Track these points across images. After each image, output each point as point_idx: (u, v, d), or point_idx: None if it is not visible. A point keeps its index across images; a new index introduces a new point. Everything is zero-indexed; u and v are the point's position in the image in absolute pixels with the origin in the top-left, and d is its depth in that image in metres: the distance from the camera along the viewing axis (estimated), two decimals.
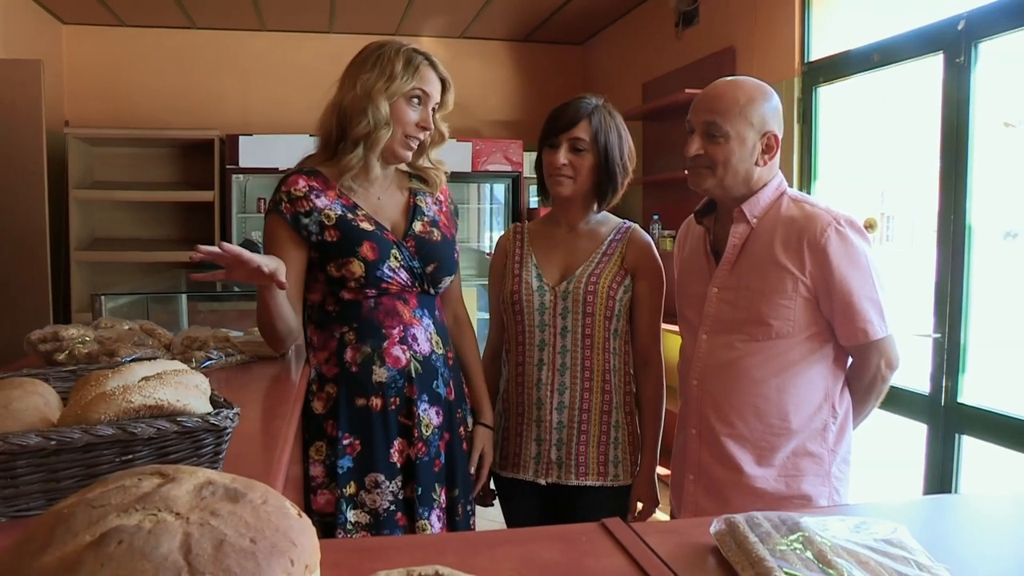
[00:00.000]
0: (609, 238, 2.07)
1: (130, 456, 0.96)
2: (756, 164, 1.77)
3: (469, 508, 1.99)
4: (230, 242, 5.80)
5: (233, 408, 1.04)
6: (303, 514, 0.69)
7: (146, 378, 1.02)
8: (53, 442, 0.90)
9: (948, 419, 3.01)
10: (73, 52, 5.95)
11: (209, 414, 1.00)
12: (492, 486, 2.15)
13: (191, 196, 5.79)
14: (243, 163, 5.61)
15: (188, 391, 1.01)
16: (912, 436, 3.16)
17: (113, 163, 5.99)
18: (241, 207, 5.88)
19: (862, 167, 3.94)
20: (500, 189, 6.33)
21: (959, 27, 2.97)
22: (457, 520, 1.93)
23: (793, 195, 1.82)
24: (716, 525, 0.88)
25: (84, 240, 5.71)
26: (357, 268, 1.79)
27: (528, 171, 6.04)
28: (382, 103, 1.80)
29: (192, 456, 1.01)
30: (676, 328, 2.06)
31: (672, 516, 2.04)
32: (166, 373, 1.04)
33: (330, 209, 1.82)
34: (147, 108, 5.97)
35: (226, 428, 1.02)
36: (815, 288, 1.73)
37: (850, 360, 1.82)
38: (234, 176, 5.70)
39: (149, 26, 5.99)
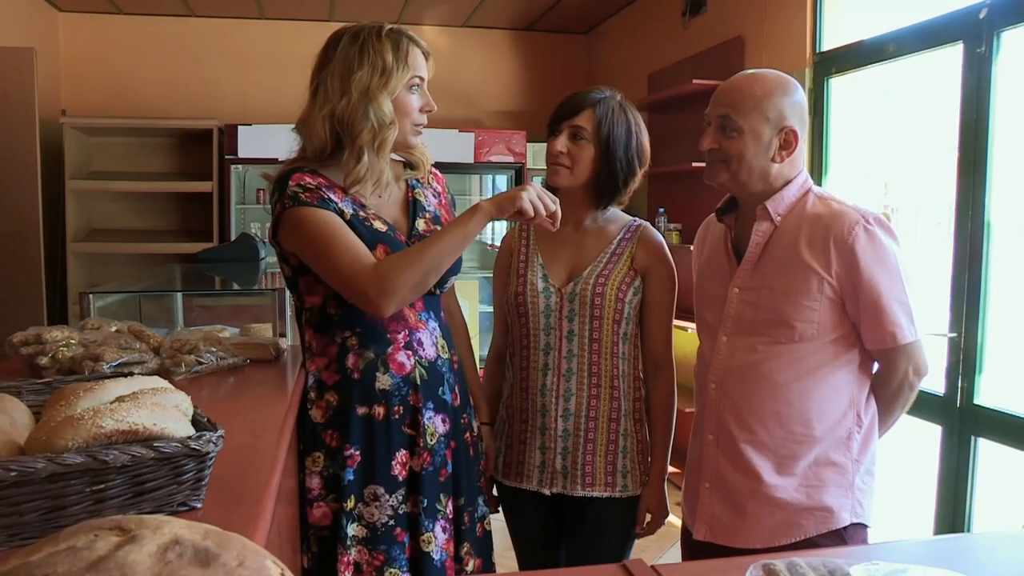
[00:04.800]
0: (618, 237, 1.98)
1: (102, 486, 0.87)
2: (773, 160, 1.70)
3: (478, 515, 1.90)
4: (228, 236, 5.70)
5: (217, 430, 0.95)
6: (286, 571, 0.60)
7: (121, 398, 0.93)
8: (13, 473, 0.81)
9: (964, 421, 2.95)
10: (70, 40, 5.85)
11: (190, 438, 0.92)
12: (495, 493, 2.07)
13: (189, 187, 5.70)
14: (242, 153, 5.52)
15: (166, 413, 0.92)
16: (926, 438, 3.09)
17: (110, 153, 5.90)
18: (240, 198, 5.80)
19: (871, 160, 3.85)
20: (502, 180, 6.23)
21: (981, 16, 2.88)
22: (464, 529, 1.85)
23: (819, 192, 1.74)
24: (753, 571, 0.80)
25: (81, 231, 5.63)
26: None
27: (531, 162, 5.94)
28: (384, 102, 1.68)
29: (172, 484, 0.93)
30: (688, 326, 1.97)
31: (683, 525, 1.95)
32: (143, 392, 0.95)
33: (342, 206, 1.70)
34: (145, 97, 5.89)
35: (208, 453, 0.93)
36: (841, 289, 1.65)
37: (875, 366, 1.74)
38: (233, 167, 5.62)
39: (147, 14, 5.90)
